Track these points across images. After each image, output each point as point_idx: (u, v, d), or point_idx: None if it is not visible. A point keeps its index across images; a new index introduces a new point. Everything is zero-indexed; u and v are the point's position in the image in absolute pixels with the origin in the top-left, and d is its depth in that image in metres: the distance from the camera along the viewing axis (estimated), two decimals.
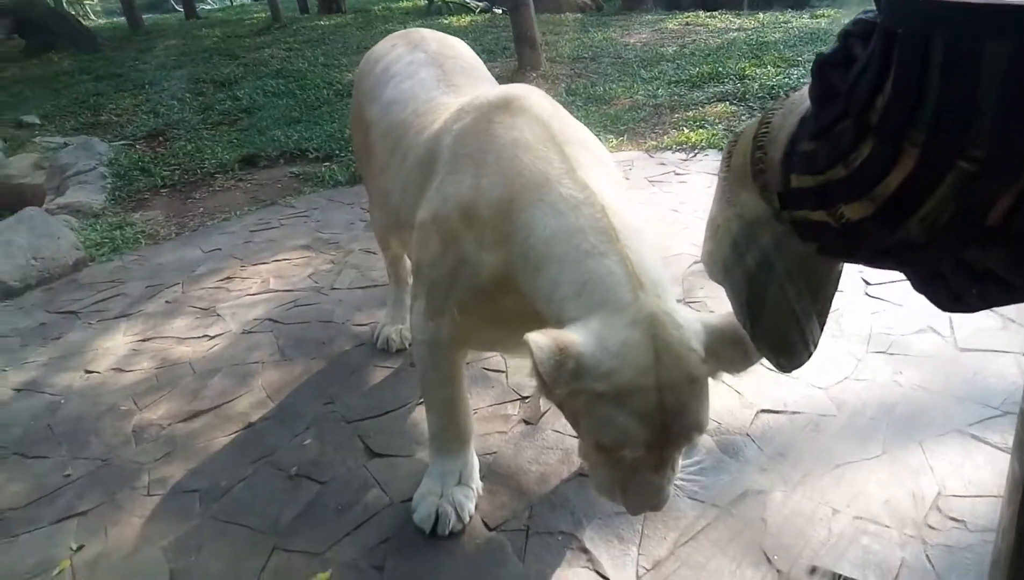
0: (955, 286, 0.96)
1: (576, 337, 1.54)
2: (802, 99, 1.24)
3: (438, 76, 2.48)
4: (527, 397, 2.76)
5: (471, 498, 2.24)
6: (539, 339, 1.49)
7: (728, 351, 1.60)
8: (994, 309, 2.90)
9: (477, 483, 2.28)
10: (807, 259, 1.35)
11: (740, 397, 2.61)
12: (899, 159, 0.87)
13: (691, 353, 1.57)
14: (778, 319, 1.39)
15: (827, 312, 1.46)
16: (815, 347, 1.45)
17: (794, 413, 2.51)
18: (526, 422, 2.64)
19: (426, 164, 2.12)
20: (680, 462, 1.72)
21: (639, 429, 1.54)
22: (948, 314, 2.93)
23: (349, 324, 3.45)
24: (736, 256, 1.48)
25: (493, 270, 1.84)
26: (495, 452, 2.50)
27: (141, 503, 2.48)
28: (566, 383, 1.52)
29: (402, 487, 2.40)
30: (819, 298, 1.45)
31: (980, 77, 0.75)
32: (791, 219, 1.23)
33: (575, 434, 2.45)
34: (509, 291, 1.83)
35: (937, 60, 0.78)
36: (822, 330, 1.46)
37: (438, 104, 2.32)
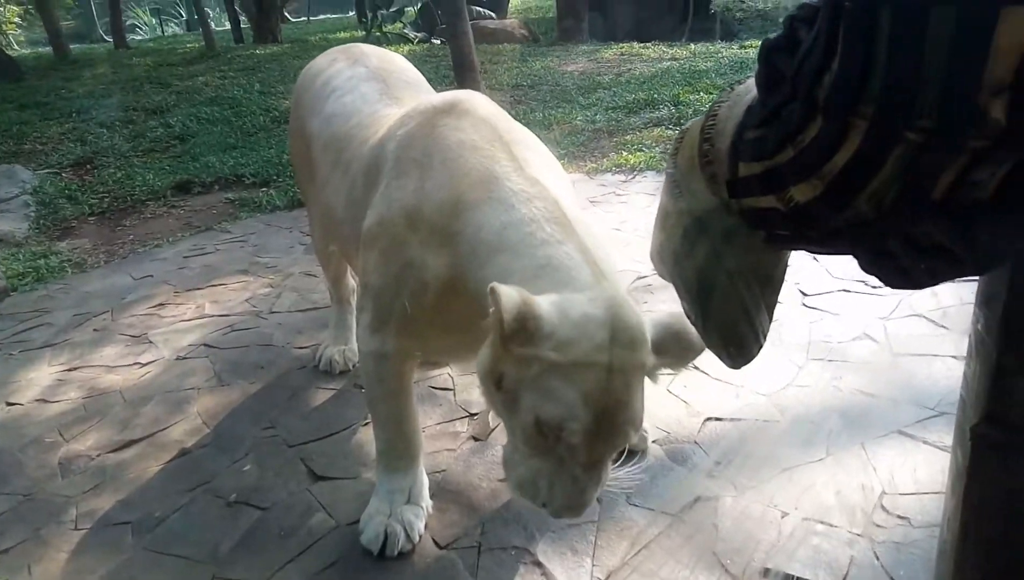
0: (904, 263, 0.97)
1: (540, 300, 1.52)
2: (747, 90, 1.26)
3: (380, 89, 2.45)
4: (475, 414, 2.72)
5: (421, 516, 2.17)
6: (507, 289, 1.47)
7: (672, 345, 1.62)
8: (925, 315, 2.99)
9: (427, 501, 2.22)
10: (756, 250, 1.37)
11: (687, 406, 2.62)
12: (847, 135, 0.88)
13: (645, 341, 1.59)
14: (728, 312, 1.40)
15: (775, 304, 1.48)
16: (764, 339, 1.46)
17: (739, 420, 2.53)
18: (475, 438, 2.59)
19: (370, 172, 2.08)
20: (608, 471, 1.69)
21: (583, 409, 1.51)
22: (882, 321, 3.01)
23: (290, 347, 3.36)
24: (686, 249, 1.48)
25: (439, 272, 1.80)
26: (444, 470, 2.45)
27: (68, 538, 2.33)
28: (524, 342, 1.50)
29: (348, 509, 2.32)
30: (768, 290, 1.46)
31: (926, 44, 0.76)
32: (740, 208, 1.24)
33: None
34: (457, 294, 1.79)
35: (884, 31, 0.79)
36: (770, 323, 1.48)
37: (381, 116, 2.28)
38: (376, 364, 2.06)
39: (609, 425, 1.54)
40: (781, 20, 1.03)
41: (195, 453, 2.69)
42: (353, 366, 3.09)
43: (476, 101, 2.00)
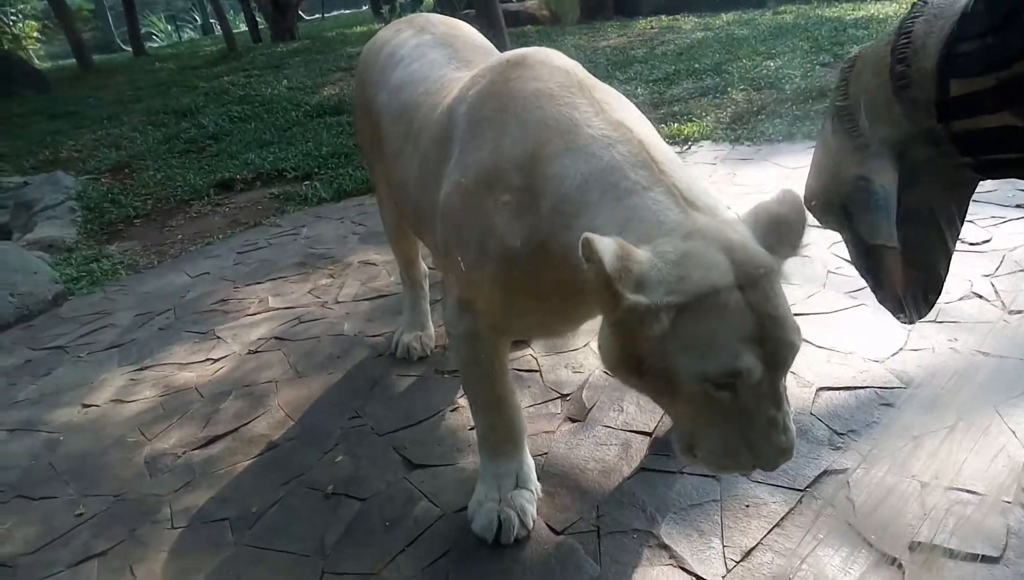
0: None
1: (633, 249, 1.37)
2: (946, 2, 1.13)
3: (449, 54, 2.30)
4: (568, 394, 2.61)
5: (532, 501, 2.07)
6: (600, 237, 1.32)
7: (775, 230, 1.45)
8: None
9: (536, 484, 2.12)
10: (956, 182, 1.24)
11: (795, 377, 2.49)
12: None
13: (758, 247, 1.43)
14: (928, 253, 1.28)
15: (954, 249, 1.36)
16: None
17: (855, 388, 2.40)
18: (572, 419, 2.48)
19: (442, 140, 1.93)
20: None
21: (746, 343, 1.35)
22: (988, 278, 2.86)
23: (362, 336, 3.27)
24: (863, 191, 1.36)
25: (525, 237, 1.63)
26: (546, 453, 2.34)
27: (166, 537, 2.26)
28: (636, 287, 1.33)
29: (451, 497, 2.23)
30: (954, 231, 1.34)
31: None
32: (950, 132, 1.11)
33: (634, 428, 2.34)
34: (546, 262, 1.62)
35: None
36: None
37: (451, 79, 2.12)
38: (468, 346, 1.95)
39: (776, 345, 1.37)
40: None
41: (284, 446, 2.61)
42: (431, 352, 3.00)
43: (548, 52, 1.85)
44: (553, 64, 1.78)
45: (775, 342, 1.36)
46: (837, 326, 2.77)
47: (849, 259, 1.42)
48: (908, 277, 1.32)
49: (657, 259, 1.36)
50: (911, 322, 1.39)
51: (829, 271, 3.14)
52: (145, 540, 2.27)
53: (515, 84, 1.73)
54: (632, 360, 1.44)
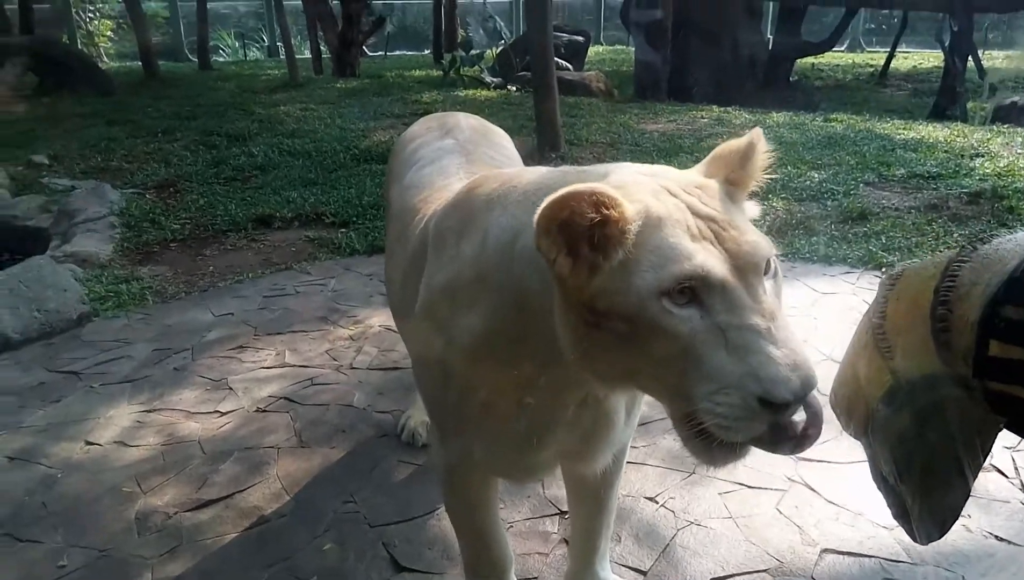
0: None
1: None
2: (1000, 255, 1.12)
3: (460, 164, 2.26)
4: (566, 512, 2.56)
5: None
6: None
7: (723, 157, 1.37)
8: None
9: None
10: (983, 424, 1.22)
11: (801, 532, 2.43)
12: None
13: (677, 170, 1.38)
14: (941, 486, 1.25)
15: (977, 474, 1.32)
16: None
17: (860, 556, 2.33)
18: (567, 542, 2.43)
19: (417, 255, 1.88)
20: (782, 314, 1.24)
21: (694, 241, 1.21)
22: (1009, 451, 2.79)
23: (371, 410, 3.26)
24: (890, 411, 1.34)
25: (479, 329, 1.49)
26: (536, 577, 2.30)
27: None
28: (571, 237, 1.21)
29: None
30: (977, 462, 1.31)
31: None
32: (984, 389, 1.09)
33: (628, 563, 2.18)
34: (511, 359, 1.48)
35: None
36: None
37: (449, 191, 2.05)
38: (449, 478, 1.88)
39: (735, 245, 1.22)
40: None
41: (274, 523, 2.59)
42: None
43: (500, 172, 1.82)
44: (504, 174, 1.72)
45: (732, 242, 1.22)
46: (848, 479, 2.70)
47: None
48: (923, 506, 1.29)
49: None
50: (924, 543, 1.35)
51: None
52: None
53: (474, 193, 1.68)
54: (587, 319, 1.26)
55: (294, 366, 3.69)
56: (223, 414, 3.28)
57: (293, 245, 5.77)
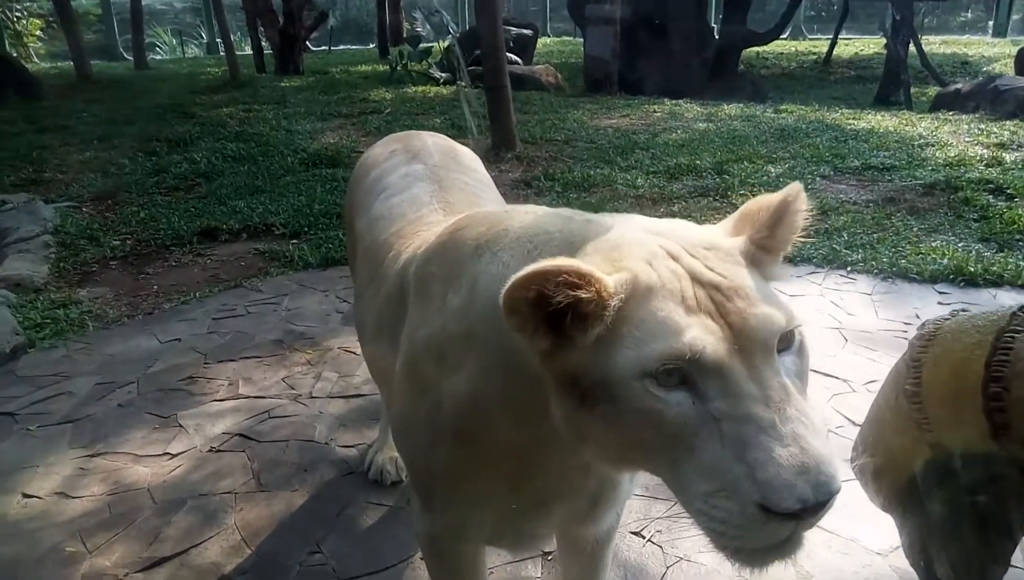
0: None
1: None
2: None
3: (432, 192, 2.08)
4: (551, 554, 2.43)
5: None
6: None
7: (749, 217, 1.20)
8: None
9: None
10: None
11: (794, 565, 2.33)
12: None
13: (694, 227, 1.23)
14: (980, 555, 1.15)
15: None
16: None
17: None
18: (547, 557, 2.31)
19: (396, 300, 1.72)
20: (812, 413, 1.06)
21: (687, 316, 1.05)
22: None
23: (333, 445, 3.08)
24: (931, 487, 1.23)
25: (467, 393, 1.36)
26: None
27: None
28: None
29: None
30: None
31: None
32: None
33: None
34: (503, 420, 1.33)
35: None
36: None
37: (424, 224, 1.92)
38: (433, 546, 1.72)
39: (740, 318, 1.06)
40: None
41: None
42: (405, 478, 2.82)
43: (488, 213, 1.65)
44: (494, 215, 1.57)
45: (737, 314, 1.06)
46: (839, 505, 2.62)
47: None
48: (941, 564, 1.19)
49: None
50: None
51: (829, 430, 3.02)
52: None
53: (460, 236, 1.52)
54: (573, 395, 1.12)
55: (249, 397, 3.48)
56: (173, 456, 3.06)
57: (242, 259, 5.52)
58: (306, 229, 5.89)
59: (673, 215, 5.69)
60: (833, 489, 0.99)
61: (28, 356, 4.06)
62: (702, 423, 1.03)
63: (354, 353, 3.83)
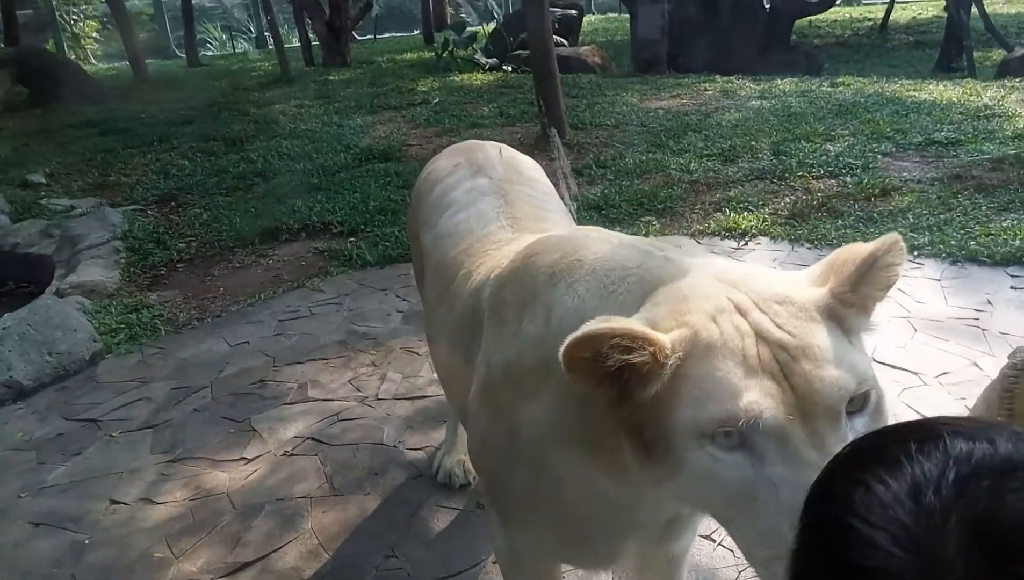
0: None
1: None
2: None
3: (499, 207, 2.10)
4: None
5: None
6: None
7: (843, 270, 1.13)
8: None
9: None
10: None
11: None
12: None
13: (773, 276, 1.18)
14: None
15: None
16: None
17: None
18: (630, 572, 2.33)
19: (469, 322, 1.77)
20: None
21: (747, 378, 1.03)
22: None
23: (402, 447, 3.15)
24: None
25: (544, 422, 1.39)
26: None
27: None
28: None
29: None
30: None
31: None
32: None
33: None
34: (581, 448, 1.33)
35: None
36: None
37: (493, 241, 1.95)
38: (510, 562, 1.77)
39: (804, 381, 1.02)
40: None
41: None
42: (474, 480, 2.87)
43: (564, 236, 1.67)
44: (567, 241, 1.58)
45: (803, 377, 1.03)
46: None
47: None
48: None
49: (642, 313, 1.16)
50: None
51: None
52: None
53: (534, 262, 1.55)
54: (640, 443, 1.14)
55: (318, 400, 3.58)
56: (249, 460, 3.17)
57: (303, 259, 5.63)
58: (363, 227, 5.98)
59: (729, 201, 5.63)
60: None
61: (106, 362, 4.24)
62: (761, 487, 1.02)
63: (416, 353, 3.90)
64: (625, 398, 1.11)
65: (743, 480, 1.03)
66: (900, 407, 3.10)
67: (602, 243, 1.46)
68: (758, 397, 1.01)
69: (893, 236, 1.11)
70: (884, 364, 3.38)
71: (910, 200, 5.26)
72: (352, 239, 5.82)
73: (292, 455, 3.18)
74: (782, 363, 1.04)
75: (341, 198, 6.63)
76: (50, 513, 2.97)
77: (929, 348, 3.53)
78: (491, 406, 1.56)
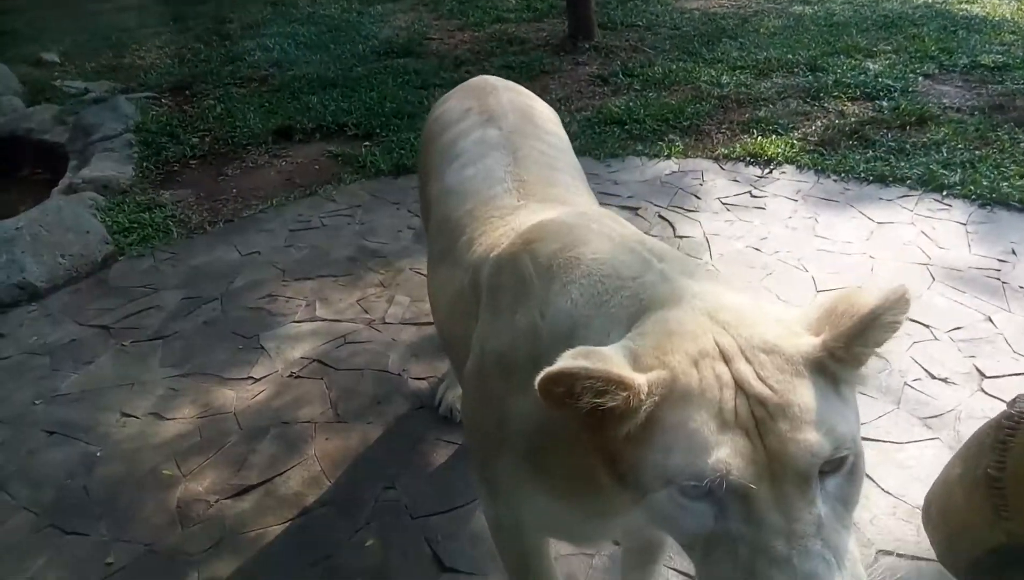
0: None
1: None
2: None
3: (507, 165, 2.02)
4: None
5: None
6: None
7: (838, 322, 1.06)
8: None
9: None
10: None
11: (855, 531, 2.35)
12: None
13: (767, 317, 1.13)
14: None
15: None
16: None
17: (921, 559, 2.26)
18: (616, 543, 2.39)
19: (468, 296, 1.75)
20: (847, 543, 0.99)
21: (721, 433, 1.00)
22: None
23: (406, 376, 3.18)
24: (997, 566, 1.20)
25: (531, 417, 1.38)
26: None
27: None
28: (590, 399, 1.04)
29: None
30: None
31: None
32: None
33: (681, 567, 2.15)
34: (568, 446, 1.31)
35: None
36: None
37: (497, 208, 1.89)
38: (499, 532, 1.81)
39: (778, 442, 0.99)
40: None
41: (315, 513, 2.58)
42: None
43: (563, 219, 1.62)
44: (567, 229, 1.54)
45: (777, 438, 0.99)
46: (907, 465, 2.60)
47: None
48: None
49: (627, 341, 1.14)
50: None
51: (906, 383, 2.95)
52: None
53: (532, 250, 1.52)
54: (612, 469, 1.14)
55: (325, 320, 3.60)
56: (256, 380, 3.22)
57: (316, 162, 5.54)
58: (378, 130, 5.84)
59: (759, 121, 5.43)
60: None
61: (118, 265, 4.26)
62: (720, 539, 1.01)
63: (424, 275, 3.87)
64: (598, 431, 1.10)
65: (704, 529, 1.02)
66: (907, 362, 3.06)
67: (603, 240, 1.41)
68: (727, 455, 0.98)
69: (899, 290, 1.04)
70: None
71: (946, 131, 5.03)
72: (367, 143, 5.69)
73: (298, 377, 3.22)
74: (758, 419, 1.00)
75: (357, 97, 6.45)
76: (64, 422, 3.06)
77: (945, 299, 3.45)
78: (482, 391, 1.57)
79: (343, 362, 3.29)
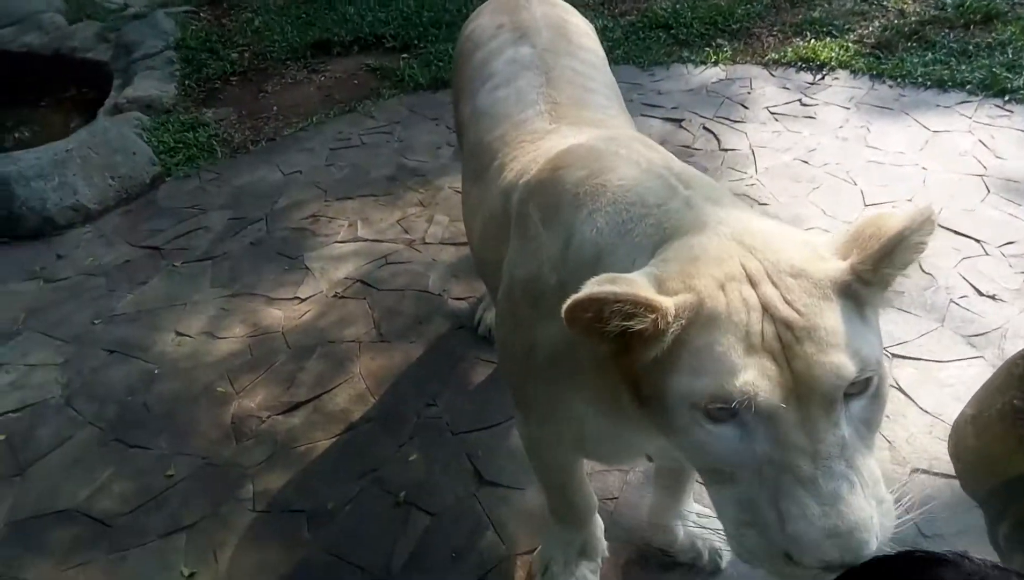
0: None
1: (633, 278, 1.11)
2: None
3: (539, 87, 1.99)
4: None
5: (596, 572, 2.10)
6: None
7: (867, 245, 1.06)
8: None
9: (603, 553, 2.13)
10: None
11: (891, 449, 2.37)
12: None
13: (794, 241, 1.12)
14: None
15: None
16: None
17: (950, 477, 2.27)
18: (650, 459, 2.45)
19: (499, 221, 1.76)
20: (870, 464, 1.03)
21: (747, 355, 1.01)
22: None
23: (446, 297, 3.23)
24: (1014, 495, 1.21)
25: (559, 343, 1.42)
26: (615, 497, 2.35)
27: (246, 521, 2.42)
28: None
29: (518, 531, 2.29)
30: None
31: None
32: None
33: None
34: (594, 372, 1.34)
35: None
36: None
37: (528, 131, 1.88)
38: (533, 448, 1.87)
39: (805, 365, 0.99)
40: None
41: (361, 429, 2.69)
42: None
43: (593, 145, 1.60)
44: (596, 155, 1.54)
45: (803, 360, 1.00)
46: (948, 383, 2.58)
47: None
48: None
49: (651, 268, 1.15)
50: None
51: (952, 300, 2.89)
52: (228, 519, 2.43)
53: (561, 176, 1.52)
54: (636, 393, 1.17)
55: (367, 240, 3.64)
56: (303, 300, 3.31)
57: (355, 77, 5.49)
58: (416, 41, 5.72)
59: (812, 23, 5.20)
60: (862, 554, 0.97)
61: (166, 185, 4.35)
62: (746, 460, 1.04)
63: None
64: (625, 354, 1.12)
65: (730, 452, 1.05)
66: (954, 278, 2.99)
67: (630, 166, 1.41)
68: (755, 378, 1.00)
69: (926, 211, 1.03)
70: (947, 229, 3.22)
71: (1013, 30, 4.72)
72: (404, 56, 5.60)
73: (342, 298, 3.30)
74: (785, 343, 1.02)
75: (394, 5, 6.29)
76: (122, 341, 3.20)
77: (999, 212, 3.33)
78: (513, 317, 1.61)
79: (385, 282, 3.35)
